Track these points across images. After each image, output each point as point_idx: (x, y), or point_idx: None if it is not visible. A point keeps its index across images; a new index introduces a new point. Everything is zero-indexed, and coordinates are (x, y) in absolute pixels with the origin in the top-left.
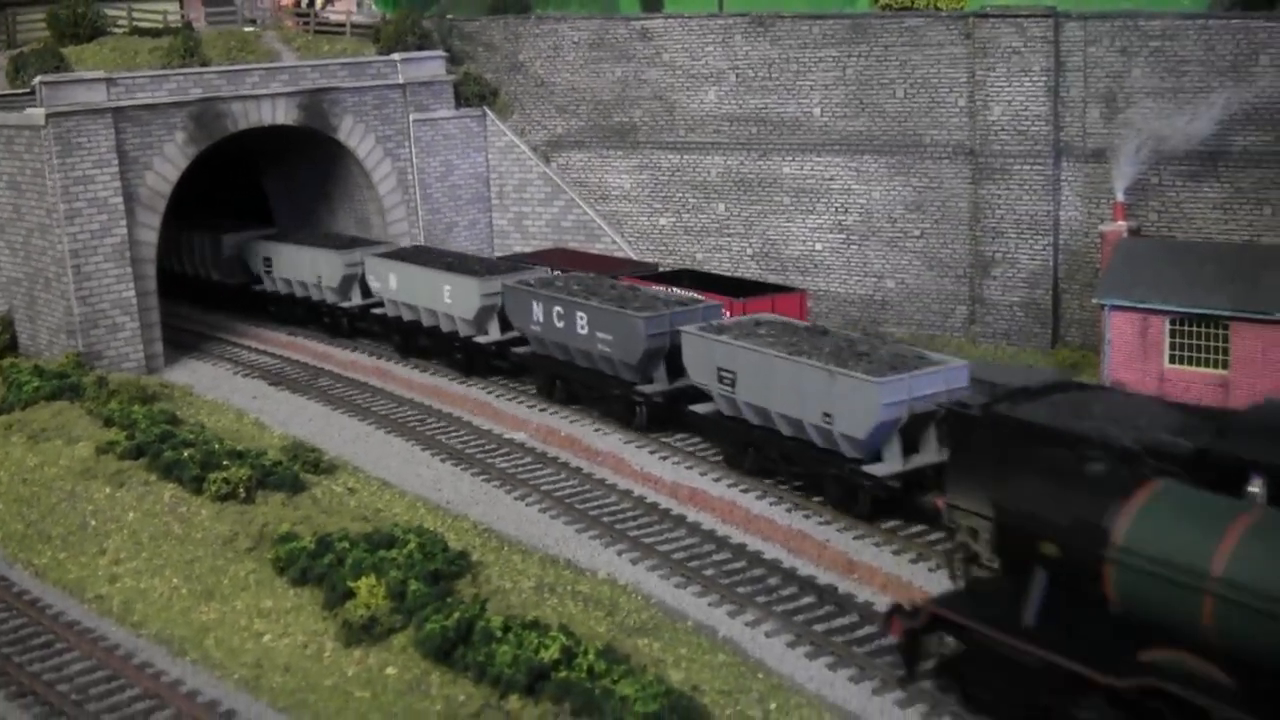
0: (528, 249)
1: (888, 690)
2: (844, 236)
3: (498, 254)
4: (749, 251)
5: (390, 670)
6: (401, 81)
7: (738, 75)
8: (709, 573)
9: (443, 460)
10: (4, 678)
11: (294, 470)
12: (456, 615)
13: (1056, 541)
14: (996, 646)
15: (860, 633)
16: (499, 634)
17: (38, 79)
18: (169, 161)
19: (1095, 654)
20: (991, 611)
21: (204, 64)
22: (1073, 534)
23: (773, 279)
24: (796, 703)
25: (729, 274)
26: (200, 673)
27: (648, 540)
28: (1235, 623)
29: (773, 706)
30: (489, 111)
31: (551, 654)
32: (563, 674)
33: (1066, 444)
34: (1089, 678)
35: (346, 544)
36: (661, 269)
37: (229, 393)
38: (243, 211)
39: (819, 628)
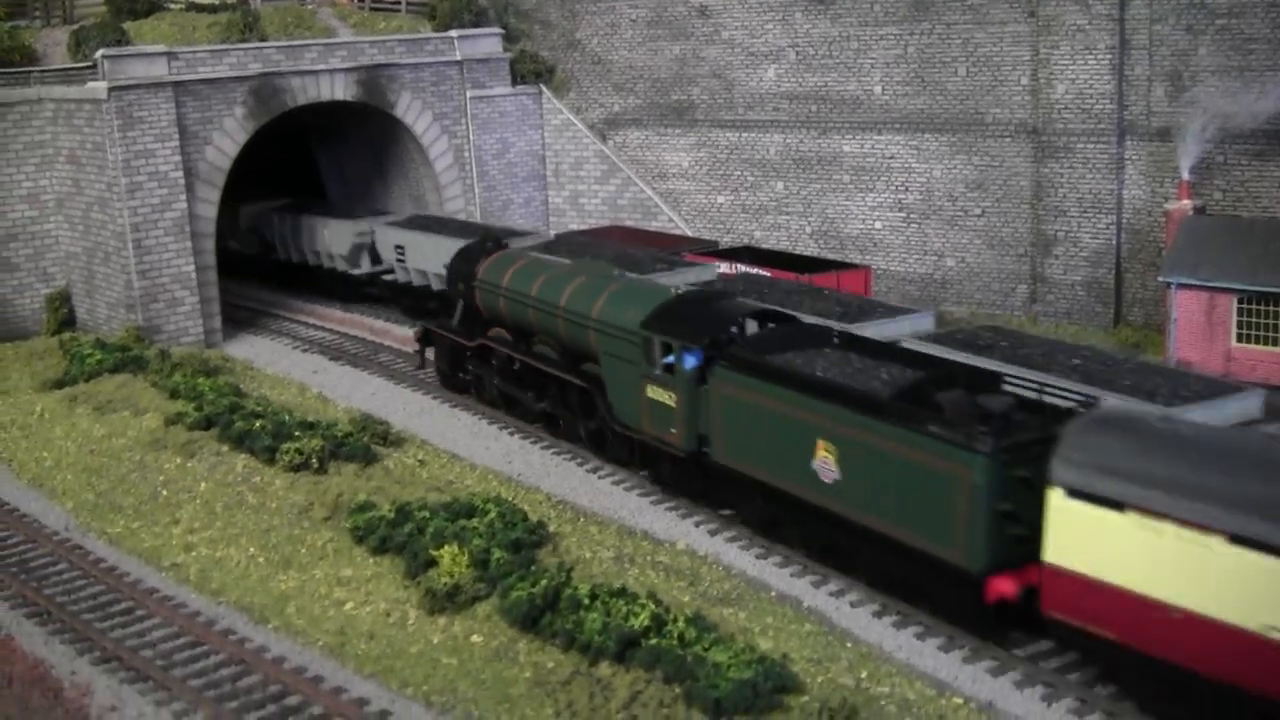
0: (584, 227)
1: (978, 659)
2: (904, 215)
3: (554, 232)
4: (807, 230)
5: (476, 638)
6: (459, 58)
7: (797, 53)
8: None
9: (511, 434)
10: (88, 643)
11: (364, 442)
12: (543, 583)
13: (461, 282)
14: (444, 337)
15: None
16: (586, 601)
17: (100, 53)
18: (228, 136)
19: (469, 333)
20: (446, 325)
21: (262, 39)
22: (466, 277)
23: (831, 258)
24: (887, 671)
25: (788, 251)
26: (283, 640)
27: None
28: (507, 309)
29: (863, 675)
30: (545, 89)
31: (642, 621)
32: (653, 641)
33: (481, 239)
34: (465, 344)
35: (426, 513)
36: (721, 246)
37: (289, 367)
38: (296, 188)
39: None
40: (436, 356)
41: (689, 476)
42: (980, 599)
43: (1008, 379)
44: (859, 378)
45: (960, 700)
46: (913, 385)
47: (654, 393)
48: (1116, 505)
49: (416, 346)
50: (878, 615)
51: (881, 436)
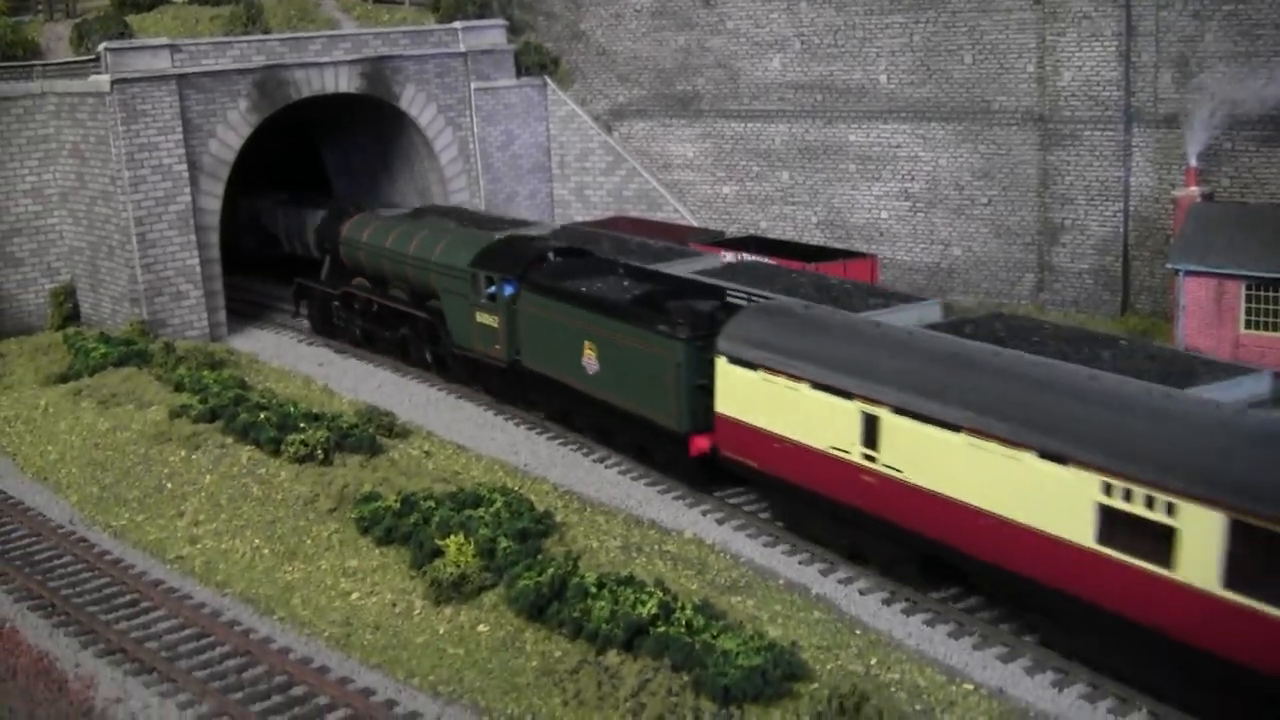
0: (589, 218)
1: (989, 645)
2: (910, 204)
3: (559, 223)
4: (813, 220)
5: (482, 628)
6: (463, 50)
7: (803, 42)
8: None
9: (517, 424)
10: (92, 635)
11: (370, 433)
12: (550, 572)
13: (328, 242)
14: (316, 290)
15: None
16: (593, 590)
17: (103, 45)
18: (232, 129)
19: (335, 284)
20: (317, 279)
21: (265, 32)
22: (332, 236)
23: (837, 247)
24: (897, 658)
25: (795, 241)
26: (289, 631)
27: None
28: (367, 260)
29: (873, 661)
30: (550, 81)
31: (649, 609)
32: (661, 629)
33: (343, 205)
34: (331, 293)
35: (432, 503)
36: (727, 236)
37: (294, 360)
38: (302, 183)
39: None
40: (309, 307)
41: (509, 384)
42: (685, 453)
43: (730, 290)
44: (614, 293)
45: (970, 686)
46: (647, 294)
47: (481, 318)
48: (751, 366)
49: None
50: (887, 602)
51: (623, 334)
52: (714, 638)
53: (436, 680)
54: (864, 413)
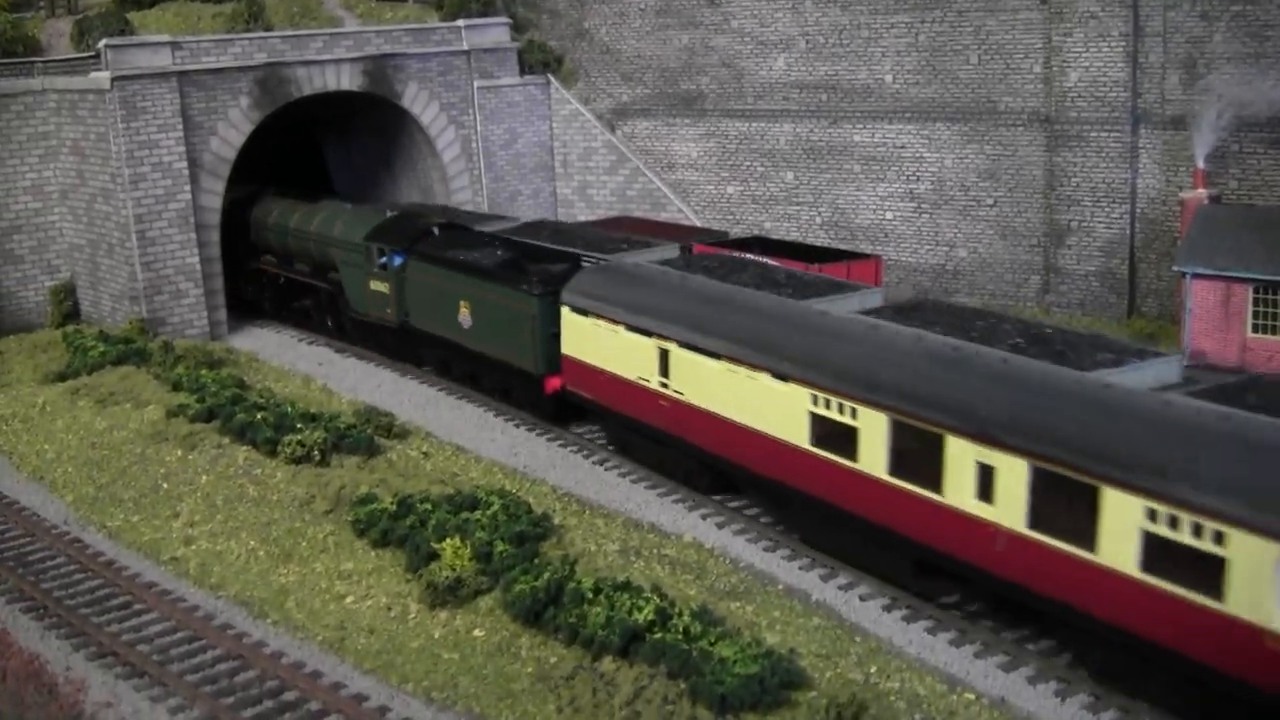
0: (592, 218)
1: (990, 653)
2: (915, 205)
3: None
4: (818, 220)
5: (478, 632)
6: (466, 48)
7: (808, 41)
8: None
9: (516, 425)
10: (84, 639)
11: (368, 434)
12: (546, 576)
13: (238, 221)
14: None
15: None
16: (590, 595)
17: (103, 42)
18: (233, 127)
19: (249, 261)
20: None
21: (267, 29)
22: (242, 218)
23: (842, 248)
24: (897, 666)
25: (799, 241)
26: (283, 635)
27: None
28: (275, 240)
29: (873, 670)
30: (553, 79)
31: (646, 615)
32: (658, 635)
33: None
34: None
35: (428, 506)
36: (731, 237)
37: (294, 359)
38: (304, 180)
39: None
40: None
41: (400, 342)
42: (542, 392)
43: (584, 255)
44: (485, 259)
45: (972, 696)
46: (511, 259)
47: (375, 285)
48: (586, 314)
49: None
50: (888, 609)
51: (491, 293)
52: (711, 644)
53: (430, 686)
54: (659, 348)
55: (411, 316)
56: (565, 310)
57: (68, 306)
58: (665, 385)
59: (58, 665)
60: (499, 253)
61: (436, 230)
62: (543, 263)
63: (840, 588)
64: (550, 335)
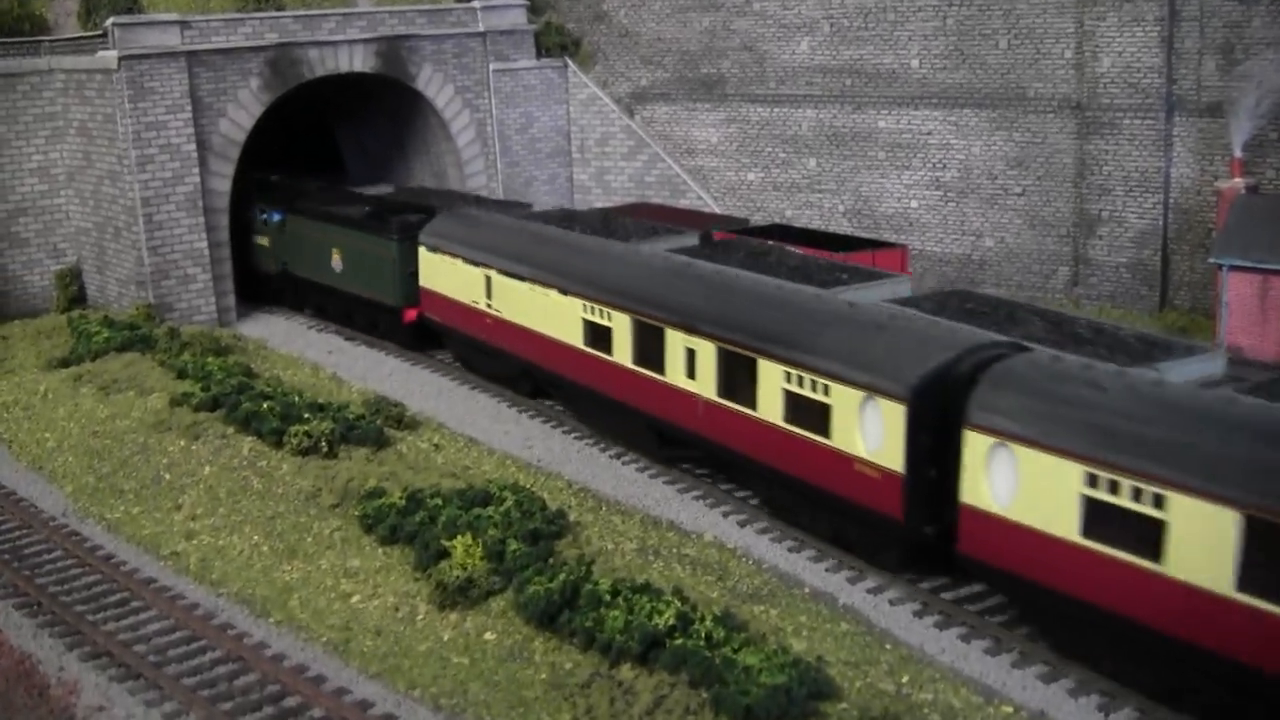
0: (610, 204)
1: (1028, 663)
2: (941, 193)
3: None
4: (840, 208)
5: (489, 635)
6: (481, 30)
7: (832, 25)
8: None
9: (531, 417)
10: (78, 637)
11: (377, 425)
12: (561, 578)
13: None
14: None
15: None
16: (607, 598)
17: (110, 20)
18: (243, 108)
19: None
20: None
21: (278, 9)
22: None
23: (866, 237)
24: (930, 675)
25: (821, 230)
26: (285, 635)
27: None
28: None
29: (904, 679)
30: (571, 62)
31: (666, 620)
32: (679, 641)
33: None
34: None
35: (439, 501)
36: (751, 224)
37: (304, 347)
38: (316, 164)
39: None
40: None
41: (282, 289)
42: (401, 322)
43: (438, 208)
44: (353, 212)
45: (1010, 709)
46: (376, 210)
47: (259, 240)
48: (437, 251)
49: None
50: (919, 615)
51: (359, 240)
52: (735, 652)
53: (439, 692)
54: (485, 275)
55: (290, 265)
56: (422, 250)
57: (74, 291)
58: (490, 306)
59: (50, 666)
60: (365, 208)
61: (314, 189)
62: (403, 214)
63: (869, 591)
64: (408, 274)
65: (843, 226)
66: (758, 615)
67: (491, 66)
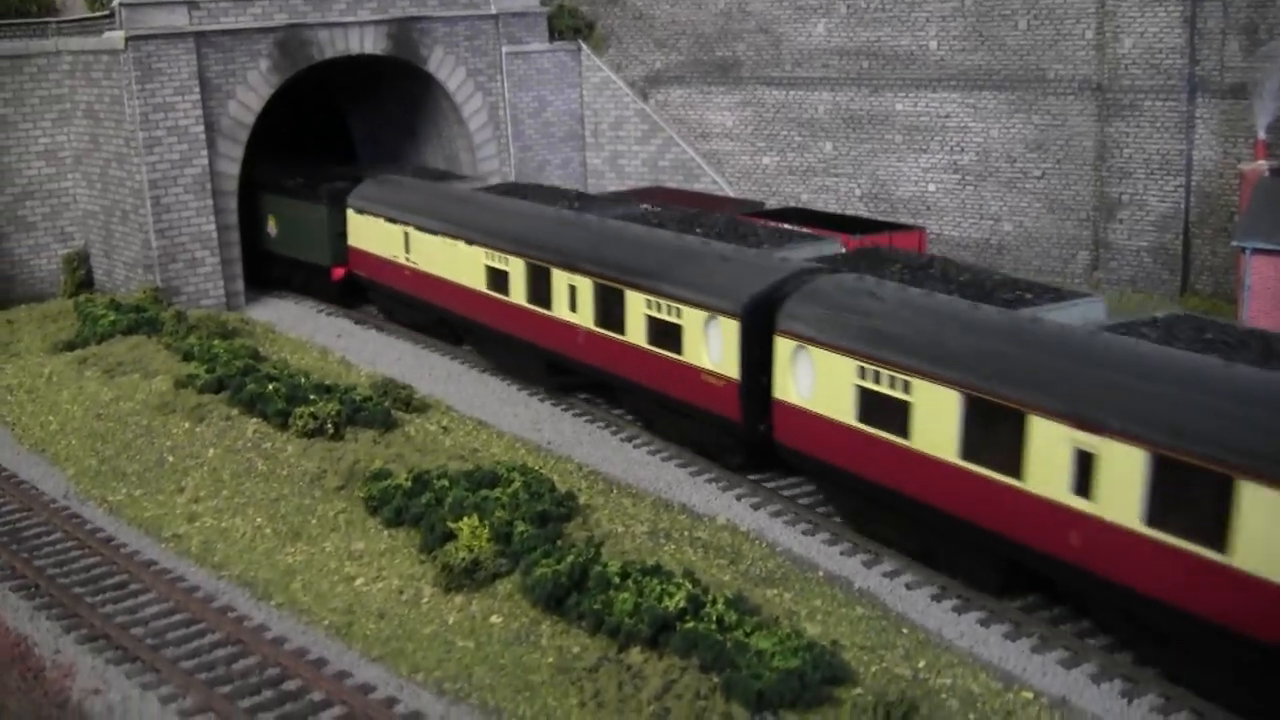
0: (624, 188)
1: (1049, 648)
2: (959, 177)
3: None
4: (857, 192)
5: (495, 619)
6: (494, 12)
7: (848, 6)
8: None
9: (541, 400)
10: (76, 620)
11: (384, 406)
12: (570, 560)
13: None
14: None
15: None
16: (616, 580)
17: (117, 1)
18: (252, 90)
19: None
20: None
21: None
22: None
23: (882, 220)
24: (948, 660)
25: (837, 213)
26: (287, 618)
27: None
28: None
29: (921, 664)
30: (584, 45)
31: (677, 603)
32: (689, 625)
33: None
34: None
35: (445, 482)
36: (766, 208)
37: (312, 330)
38: (327, 148)
39: None
40: None
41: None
42: (330, 279)
43: (367, 174)
44: (288, 182)
45: (1030, 695)
46: (309, 179)
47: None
48: (363, 213)
49: None
50: (936, 598)
51: (292, 207)
52: (747, 635)
53: (443, 676)
54: (404, 232)
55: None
56: (350, 212)
57: (81, 275)
58: (409, 259)
59: (46, 648)
60: (299, 178)
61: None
62: (332, 181)
63: (885, 575)
64: (336, 235)
65: (859, 210)
66: (771, 599)
67: (504, 49)
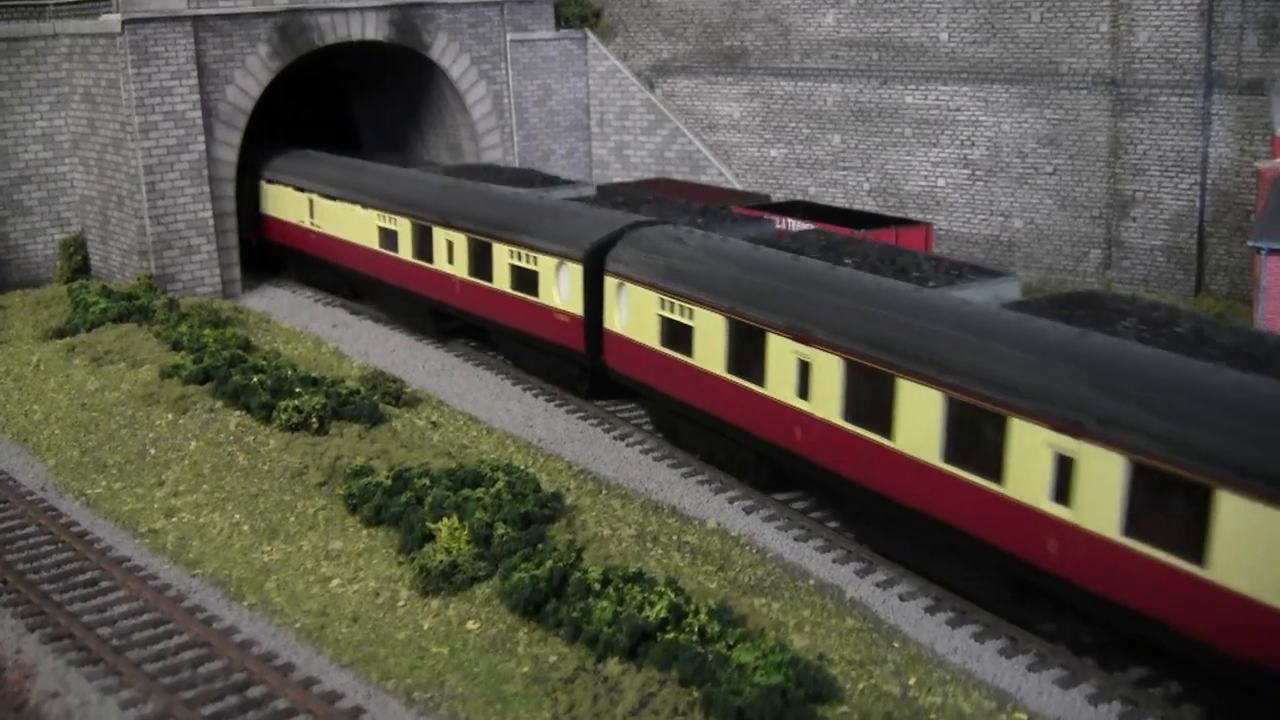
0: (629, 179)
1: (1046, 666)
2: (969, 172)
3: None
4: (865, 186)
5: (471, 624)
6: None
7: None
8: None
9: (535, 395)
10: (40, 618)
11: (372, 400)
12: (549, 564)
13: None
14: None
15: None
16: (597, 587)
17: None
18: (251, 75)
19: None
20: None
21: None
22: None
23: (889, 215)
24: (940, 677)
25: (845, 207)
26: (258, 620)
27: None
28: None
29: (911, 681)
30: (590, 34)
31: (658, 612)
32: (670, 635)
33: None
34: None
35: (427, 481)
36: (773, 200)
37: (308, 320)
38: (332, 137)
39: None
40: None
41: None
42: (248, 247)
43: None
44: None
45: (1024, 715)
46: (251, 161)
47: None
48: (274, 183)
49: None
50: (930, 611)
51: (248, 186)
52: (729, 648)
53: (414, 684)
54: (309, 200)
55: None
56: (263, 183)
57: (78, 261)
58: (313, 223)
59: (7, 648)
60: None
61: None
62: (269, 159)
63: (878, 585)
64: (250, 207)
65: (867, 205)
66: (758, 608)
67: (509, 37)
